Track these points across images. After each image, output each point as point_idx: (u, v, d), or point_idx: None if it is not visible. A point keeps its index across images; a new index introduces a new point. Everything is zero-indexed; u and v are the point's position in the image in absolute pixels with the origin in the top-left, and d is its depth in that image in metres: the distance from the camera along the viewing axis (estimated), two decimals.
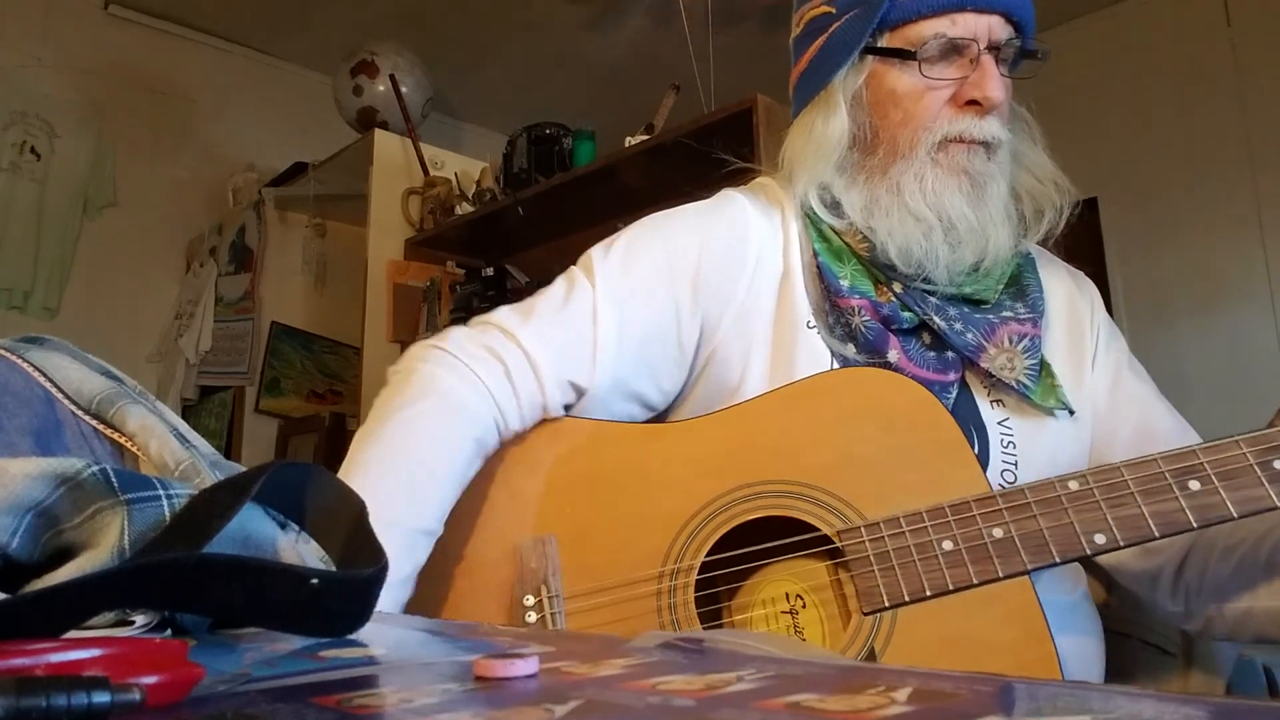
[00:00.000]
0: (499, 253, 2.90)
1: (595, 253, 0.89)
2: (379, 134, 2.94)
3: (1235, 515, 0.65)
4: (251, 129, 3.53)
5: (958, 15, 0.81)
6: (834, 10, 0.86)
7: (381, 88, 3.08)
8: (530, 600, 0.71)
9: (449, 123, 3.96)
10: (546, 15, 3.42)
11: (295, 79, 3.69)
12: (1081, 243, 3.52)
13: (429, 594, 0.74)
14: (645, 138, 2.30)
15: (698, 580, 0.70)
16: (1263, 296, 2.98)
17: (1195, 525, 0.65)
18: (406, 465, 0.75)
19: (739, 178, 0.99)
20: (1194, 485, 0.66)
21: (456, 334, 0.85)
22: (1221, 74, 3.11)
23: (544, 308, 0.86)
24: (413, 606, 0.73)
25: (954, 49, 0.82)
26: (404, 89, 3.04)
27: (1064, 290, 0.93)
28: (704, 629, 0.69)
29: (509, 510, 0.76)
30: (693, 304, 0.86)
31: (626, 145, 2.32)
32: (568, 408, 0.84)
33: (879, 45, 0.84)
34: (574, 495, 0.75)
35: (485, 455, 0.80)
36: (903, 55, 0.83)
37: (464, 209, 2.79)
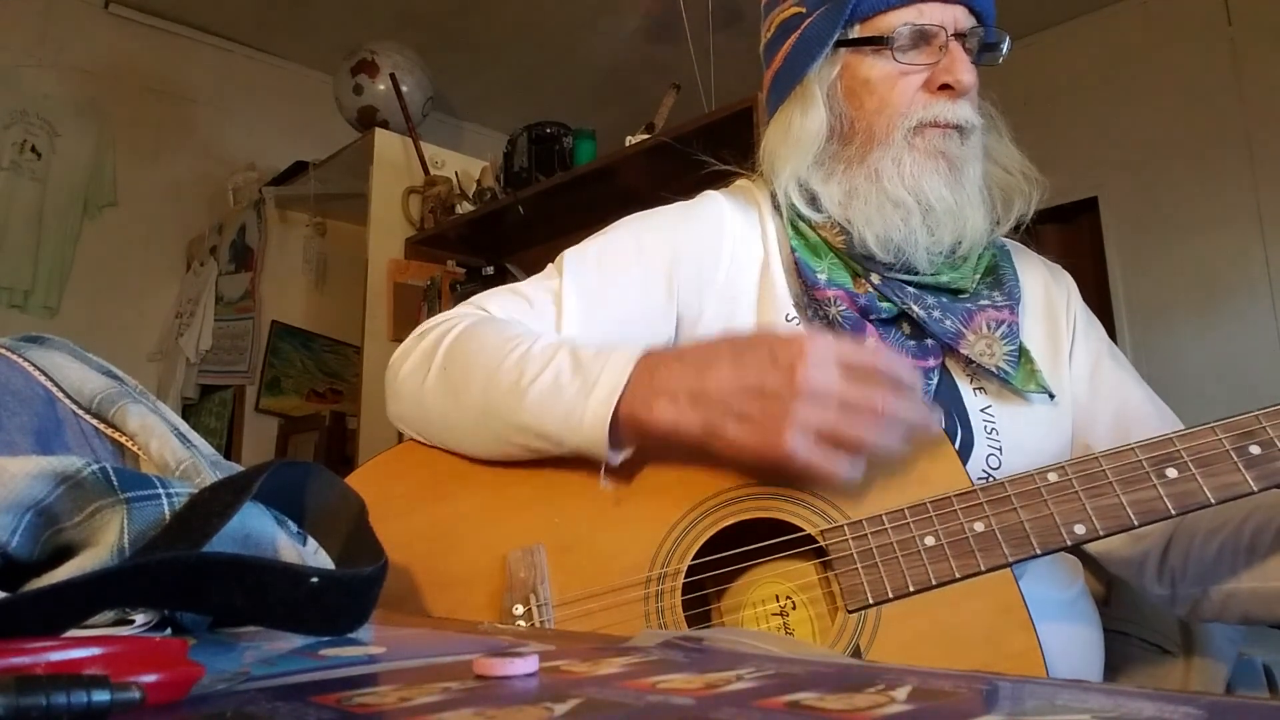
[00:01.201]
0: (499, 252, 2.90)
1: (570, 250, 0.91)
2: (379, 133, 2.94)
3: (1213, 501, 0.65)
4: (252, 128, 3.53)
5: (924, 6, 0.84)
6: (804, 10, 0.89)
7: (382, 87, 3.08)
8: (520, 609, 0.71)
9: (449, 122, 3.97)
10: (546, 15, 3.42)
11: (295, 78, 3.69)
12: (1081, 243, 3.52)
13: (418, 607, 0.74)
14: (645, 137, 2.31)
15: (686, 584, 0.70)
16: (1263, 295, 2.98)
17: (1174, 512, 0.65)
18: (512, 352, 0.77)
19: (721, 180, 1.00)
20: (1171, 473, 0.66)
21: (436, 316, 0.88)
22: (1221, 74, 3.11)
23: (512, 290, 0.89)
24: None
25: (923, 36, 0.85)
26: (404, 88, 3.04)
27: (1040, 281, 0.95)
28: (690, 631, 0.70)
29: (497, 521, 0.76)
30: (666, 299, 0.87)
31: (627, 145, 2.32)
32: None
33: (850, 37, 0.87)
34: (561, 504, 0.75)
35: None
36: (875, 43, 0.85)
37: (464, 208, 2.79)
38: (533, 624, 0.70)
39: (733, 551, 0.71)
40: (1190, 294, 3.09)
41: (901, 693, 0.25)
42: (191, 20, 3.44)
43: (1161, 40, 3.25)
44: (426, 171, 2.91)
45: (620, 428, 0.71)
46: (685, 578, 0.70)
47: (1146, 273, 3.19)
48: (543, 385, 0.73)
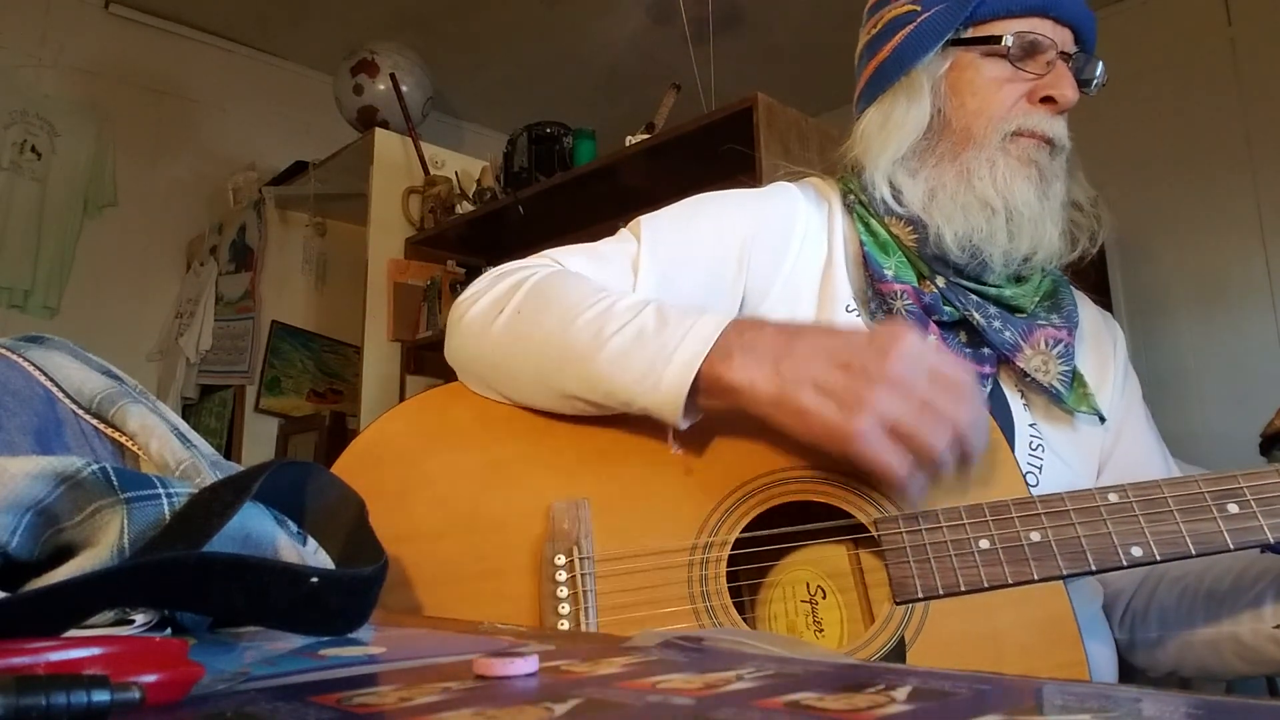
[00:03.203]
0: (499, 252, 2.90)
1: (645, 217, 0.91)
2: (379, 133, 2.94)
3: (1271, 540, 0.65)
4: (252, 128, 3.53)
5: (1039, 20, 0.86)
6: (919, 8, 0.90)
7: (382, 87, 3.07)
8: (561, 560, 0.71)
9: (449, 122, 3.96)
10: (546, 15, 3.42)
11: (296, 78, 3.69)
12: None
13: (458, 543, 0.74)
14: (645, 137, 2.31)
15: (730, 556, 0.71)
16: (1263, 295, 2.97)
17: (1232, 547, 0.66)
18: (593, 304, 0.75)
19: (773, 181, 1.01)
20: (1232, 508, 0.66)
21: (511, 263, 0.87)
22: (1221, 74, 3.11)
23: (589, 251, 0.88)
24: (449, 555, 0.74)
25: (1035, 47, 0.86)
26: (404, 88, 3.04)
27: (1092, 321, 0.96)
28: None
29: (545, 471, 0.76)
30: (736, 276, 0.88)
31: (627, 145, 2.32)
32: None
33: (964, 36, 0.88)
34: (612, 465, 0.75)
35: None
36: (988, 43, 0.86)
37: (464, 208, 2.79)
38: (573, 576, 0.71)
39: (779, 531, 0.72)
40: (1190, 294, 3.09)
41: (901, 693, 0.25)
42: (191, 20, 3.44)
43: (1161, 40, 3.25)
44: (426, 171, 2.90)
45: (698, 388, 0.69)
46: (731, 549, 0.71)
47: (1147, 272, 3.19)
48: (624, 339, 0.71)
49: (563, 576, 0.71)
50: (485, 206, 2.71)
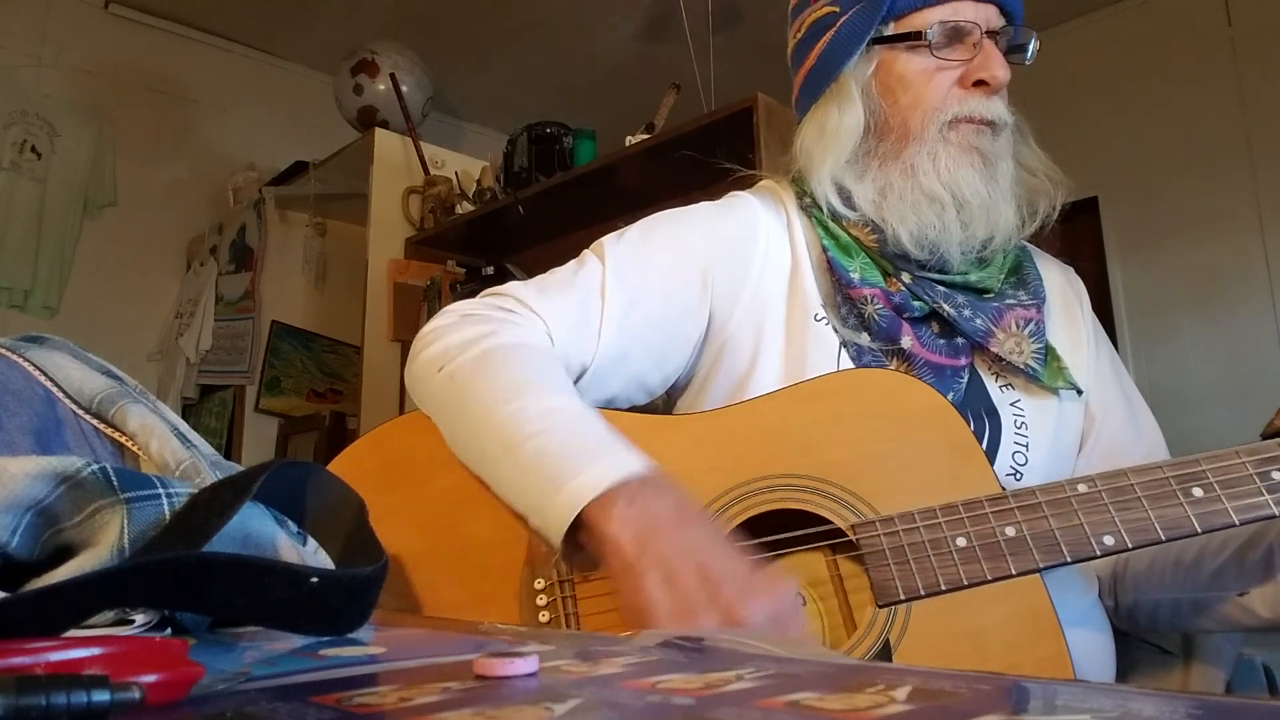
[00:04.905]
0: (499, 252, 2.90)
1: (608, 239, 0.91)
2: (379, 133, 2.94)
3: (1237, 522, 0.66)
4: (252, 128, 3.53)
5: (958, 4, 0.85)
6: (838, 9, 0.89)
7: (382, 87, 3.07)
8: (541, 584, 0.71)
9: (449, 122, 3.97)
10: (546, 15, 3.42)
11: (296, 78, 3.69)
12: (1081, 243, 3.52)
13: (438, 571, 0.74)
14: (645, 137, 2.30)
15: None
16: (1263, 295, 2.97)
17: (1199, 530, 0.66)
18: (518, 390, 0.74)
19: (740, 183, 1.00)
20: (1197, 492, 0.67)
21: (475, 302, 0.87)
22: (1221, 74, 3.11)
23: (555, 283, 0.88)
24: (426, 585, 0.74)
25: (957, 33, 0.85)
26: (404, 88, 3.04)
27: (1057, 283, 0.96)
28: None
29: None
30: (701, 295, 0.88)
31: (627, 145, 2.32)
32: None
33: (885, 34, 0.87)
34: None
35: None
36: (910, 39, 0.86)
37: (464, 208, 2.79)
38: (554, 599, 0.71)
39: (755, 541, 0.72)
40: (1190, 294, 3.09)
41: (901, 693, 0.25)
42: (191, 20, 3.44)
43: (1161, 40, 3.25)
44: (426, 171, 2.90)
45: (581, 524, 0.66)
46: None
47: (1146, 273, 3.19)
48: (526, 456, 0.69)
49: (544, 600, 0.71)
50: (485, 206, 2.71)
